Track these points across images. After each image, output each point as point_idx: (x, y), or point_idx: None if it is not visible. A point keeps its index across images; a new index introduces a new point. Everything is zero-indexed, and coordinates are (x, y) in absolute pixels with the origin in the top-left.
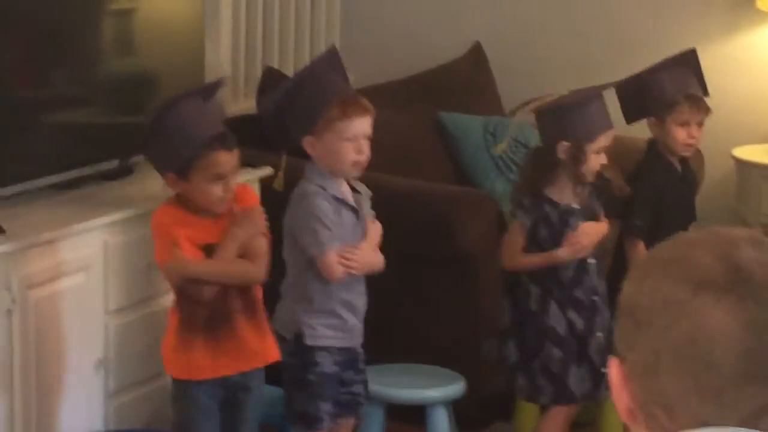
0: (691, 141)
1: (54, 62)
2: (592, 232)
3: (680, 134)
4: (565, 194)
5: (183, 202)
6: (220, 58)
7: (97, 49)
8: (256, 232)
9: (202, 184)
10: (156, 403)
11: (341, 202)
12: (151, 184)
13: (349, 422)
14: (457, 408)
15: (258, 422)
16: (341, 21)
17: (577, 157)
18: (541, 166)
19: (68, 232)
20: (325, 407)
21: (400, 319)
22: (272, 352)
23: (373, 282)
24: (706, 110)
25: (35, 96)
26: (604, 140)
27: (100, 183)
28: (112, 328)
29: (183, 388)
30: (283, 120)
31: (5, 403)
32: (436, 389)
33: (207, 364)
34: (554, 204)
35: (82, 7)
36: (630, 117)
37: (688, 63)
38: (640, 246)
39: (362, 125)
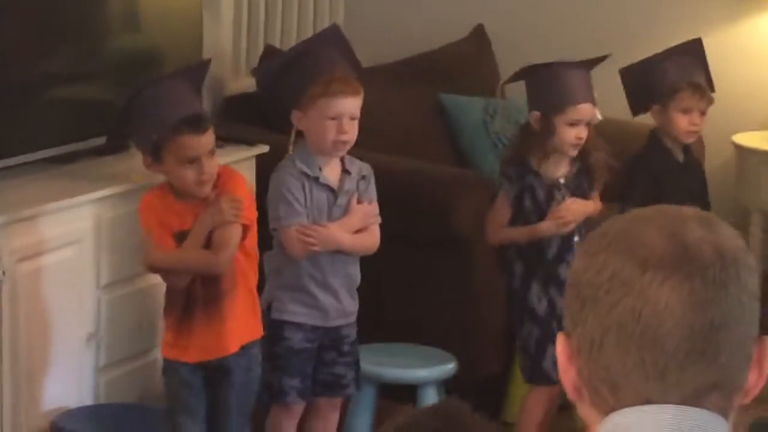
0: (693, 128)
1: (49, 37)
2: (577, 208)
3: (682, 121)
4: (551, 167)
5: (172, 186)
6: (221, 35)
7: (93, 26)
8: (222, 221)
9: (174, 167)
10: (147, 378)
11: (313, 179)
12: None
13: (333, 402)
14: (451, 389)
15: (247, 403)
16: (345, 1)
17: (546, 127)
18: (523, 137)
19: (60, 206)
20: (291, 382)
21: (394, 299)
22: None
23: (367, 262)
24: (709, 99)
25: (30, 71)
26: (575, 113)
27: (95, 158)
28: (104, 303)
29: (168, 362)
30: (278, 92)
31: None
32: (427, 369)
33: (180, 348)
34: (540, 176)
35: None
36: (635, 109)
37: (693, 52)
38: None
39: (346, 105)
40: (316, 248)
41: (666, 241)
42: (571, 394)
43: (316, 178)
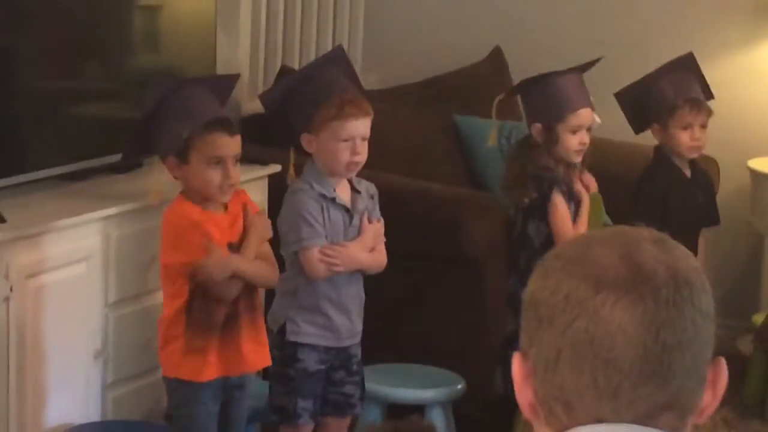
0: (696, 143)
1: (60, 56)
2: (589, 177)
3: (684, 138)
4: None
5: (192, 199)
6: (238, 55)
7: (106, 45)
8: (268, 236)
9: (200, 166)
10: (155, 395)
11: (330, 200)
12: (159, 178)
13: (342, 422)
14: (459, 410)
15: (249, 420)
16: (364, 22)
17: (549, 138)
18: (522, 151)
19: (68, 224)
20: (304, 404)
21: (404, 320)
22: (265, 358)
23: (378, 282)
24: (708, 112)
25: (41, 89)
26: (576, 119)
27: (105, 176)
28: (112, 320)
29: (190, 392)
30: (287, 115)
31: (1, 391)
32: (434, 390)
33: (216, 365)
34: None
35: (95, 2)
36: (637, 127)
37: (686, 67)
38: None
39: (358, 127)
40: (339, 268)
41: (619, 262)
42: (527, 413)
43: (333, 199)
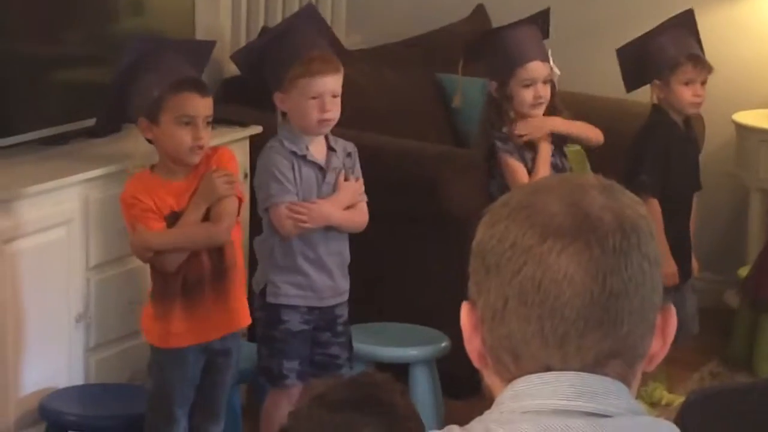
0: (697, 99)
1: (38, 20)
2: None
3: (686, 93)
4: None
5: (158, 168)
6: (219, 17)
7: (83, 9)
8: (217, 195)
9: (170, 126)
10: (137, 358)
11: (301, 158)
12: (138, 141)
13: None
14: (446, 369)
15: (234, 382)
16: None
17: (504, 94)
18: (489, 107)
19: (49, 187)
20: (290, 365)
21: (388, 279)
22: (242, 319)
23: (361, 242)
24: (709, 68)
25: (21, 53)
26: (526, 72)
27: (85, 139)
28: (93, 283)
29: (160, 357)
30: (262, 75)
31: None
32: (418, 348)
33: (184, 332)
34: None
35: None
36: (631, 85)
37: (686, 24)
38: (653, 202)
39: (327, 83)
40: (307, 225)
41: (566, 210)
42: (475, 362)
43: (304, 156)
